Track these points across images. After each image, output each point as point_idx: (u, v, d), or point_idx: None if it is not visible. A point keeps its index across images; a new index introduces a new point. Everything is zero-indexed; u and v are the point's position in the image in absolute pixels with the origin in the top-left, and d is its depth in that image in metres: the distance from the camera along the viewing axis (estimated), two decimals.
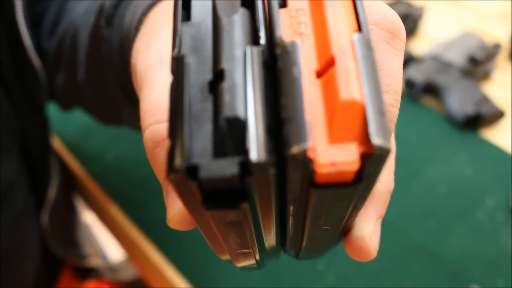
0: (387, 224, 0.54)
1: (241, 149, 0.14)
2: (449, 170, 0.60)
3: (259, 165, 0.13)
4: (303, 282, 0.50)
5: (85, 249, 0.70)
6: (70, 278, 0.68)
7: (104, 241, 0.87)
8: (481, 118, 0.63)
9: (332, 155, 0.14)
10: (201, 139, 0.14)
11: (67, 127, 0.67)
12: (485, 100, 0.64)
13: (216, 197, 0.14)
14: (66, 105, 0.53)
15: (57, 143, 0.66)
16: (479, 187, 0.58)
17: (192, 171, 0.14)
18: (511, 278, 0.50)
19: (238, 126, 0.14)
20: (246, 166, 0.13)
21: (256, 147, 0.13)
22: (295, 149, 0.14)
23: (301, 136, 0.14)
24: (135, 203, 0.58)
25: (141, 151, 0.63)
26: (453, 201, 0.57)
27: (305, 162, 0.14)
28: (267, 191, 0.15)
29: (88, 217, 0.79)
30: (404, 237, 0.53)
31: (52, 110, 0.58)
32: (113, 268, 0.75)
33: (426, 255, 0.52)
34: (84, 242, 0.71)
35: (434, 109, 0.67)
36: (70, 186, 0.67)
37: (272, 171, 0.14)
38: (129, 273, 0.76)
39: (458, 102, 0.64)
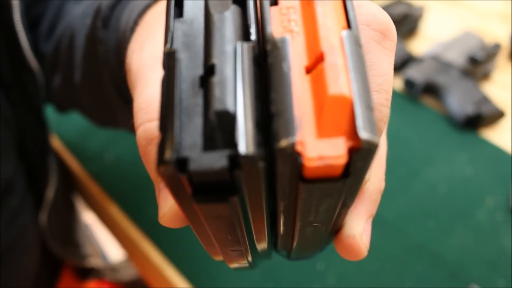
0: (387, 224, 0.54)
1: (231, 142, 0.14)
2: (449, 170, 0.60)
3: (247, 158, 0.13)
4: (303, 282, 0.50)
5: (85, 249, 0.70)
6: (70, 278, 0.68)
7: (104, 241, 0.87)
8: (481, 118, 0.63)
9: (320, 149, 0.14)
10: (191, 133, 0.14)
11: (67, 127, 0.67)
12: (485, 100, 0.64)
13: (206, 190, 0.14)
14: (62, 107, 0.53)
15: (57, 143, 0.66)
16: (479, 187, 0.58)
17: (182, 163, 0.14)
18: (511, 278, 0.50)
19: (228, 120, 0.14)
20: (235, 159, 0.14)
21: (245, 141, 0.13)
22: (283, 143, 0.14)
23: (290, 130, 0.14)
24: (135, 203, 0.58)
25: None
26: (453, 201, 0.57)
27: (294, 156, 0.14)
28: (256, 185, 0.15)
29: (88, 217, 0.79)
30: (404, 237, 0.53)
31: (52, 111, 0.58)
32: (113, 268, 0.75)
33: (426, 255, 0.52)
34: (84, 242, 0.71)
35: (434, 109, 0.67)
36: (70, 186, 0.67)
37: (261, 164, 0.14)
38: (129, 273, 0.77)
39: (458, 102, 0.64)
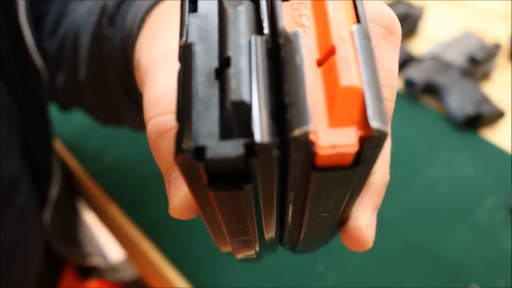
0: (387, 224, 0.54)
1: (247, 131, 0.14)
2: (449, 170, 0.60)
3: (263, 146, 0.14)
4: (303, 282, 0.50)
5: (87, 248, 0.70)
6: (72, 277, 0.68)
7: (104, 241, 0.87)
8: (481, 118, 0.63)
9: (333, 138, 0.14)
10: (208, 122, 0.15)
11: (67, 127, 0.67)
12: (485, 100, 0.64)
13: (221, 179, 0.15)
14: (65, 106, 0.53)
15: (57, 143, 0.66)
16: (479, 187, 0.58)
17: (199, 152, 0.14)
18: (511, 278, 0.50)
19: (244, 110, 0.14)
20: (251, 147, 0.14)
21: (260, 129, 0.14)
22: (297, 132, 0.14)
23: (303, 119, 0.14)
24: (135, 203, 0.58)
25: (141, 151, 0.64)
26: (453, 201, 0.57)
27: (307, 145, 0.14)
28: (270, 173, 0.15)
29: (88, 217, 0.79)
30: (404, 237, 0.53)
31: (52, 110, 0.59)
32: (113, 268, 0.75)
33: (426, 255, 0.52)
34: (85, 241, 0.71)
35: (434, 109, 0.67)
36: (72, 186, 0.67)
37: (275, 153, 0.14)
38: (129, 273, 0.76)
39: (458, 102, 0.64)
